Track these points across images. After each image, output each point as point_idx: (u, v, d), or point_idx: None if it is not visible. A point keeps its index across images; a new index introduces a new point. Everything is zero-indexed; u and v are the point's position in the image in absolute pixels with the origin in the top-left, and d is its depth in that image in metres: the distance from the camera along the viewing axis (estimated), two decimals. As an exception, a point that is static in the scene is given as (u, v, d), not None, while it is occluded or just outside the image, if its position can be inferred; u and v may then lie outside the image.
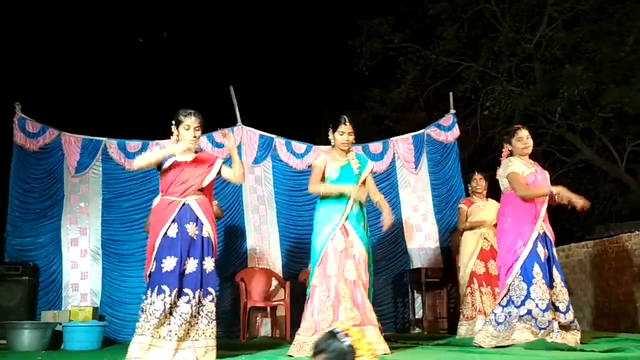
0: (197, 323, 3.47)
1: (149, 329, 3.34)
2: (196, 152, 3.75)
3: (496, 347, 3.87)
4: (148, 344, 3.32)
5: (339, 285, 3.71)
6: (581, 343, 3.88)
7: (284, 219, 6.80)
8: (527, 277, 3.90)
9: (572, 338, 3.86)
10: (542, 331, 3.81)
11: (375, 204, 4.06)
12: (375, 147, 7.26)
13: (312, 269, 3.85)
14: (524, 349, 3.66)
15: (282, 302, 5.98)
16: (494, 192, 5.12)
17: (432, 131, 7.51)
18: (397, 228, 7.09)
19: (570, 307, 3.94)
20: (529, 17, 10.76)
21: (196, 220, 3.57)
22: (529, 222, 3.98)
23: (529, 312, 3.86)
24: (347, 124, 3.97)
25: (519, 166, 4.09)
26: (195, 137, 3.66)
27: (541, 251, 3.95)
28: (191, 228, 3.54)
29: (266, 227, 6.73)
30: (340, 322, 3.55)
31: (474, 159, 10.52)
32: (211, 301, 3.54)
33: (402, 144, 7.43)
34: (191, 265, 3.50)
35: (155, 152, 3.80)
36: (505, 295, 4.01)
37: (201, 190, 3.66)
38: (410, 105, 12.18)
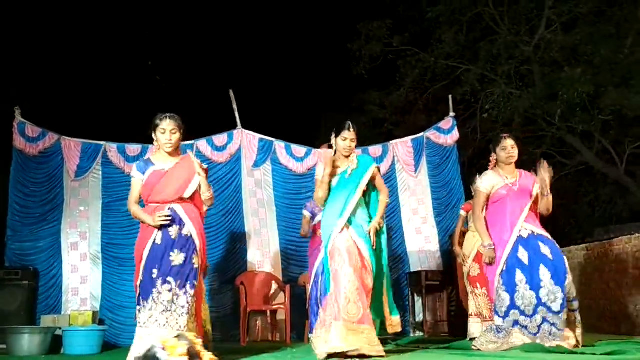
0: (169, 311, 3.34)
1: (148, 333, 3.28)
2: (180, 155, 3.68)
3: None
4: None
5: (345, 282, 3.67)
6: (582, 345, 3.83)
7: (284, 222, 6.79)
8: (510, 286, 3.91)
9: (572, 338, 3.79)
10: (536, 336, 3.81)
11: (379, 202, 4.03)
12: (375, 150, 7.26)
13: (326, 269, 3.82)
14: (522, 351, 3.66)
15: (282, 306, 5.97)
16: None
17: (431, 134, 7.51)
18: (397, 231, 7.10)
19: (566, 305, 3.81)
20: (528, 20, 10.78)
21: (180, 222, 3.47)
22: (505, 230, 4.01)
23: (516, 322, 3.88)
24: (351, 130, 3.93)
25: (489, 181, 4.16)
26: (170, 140, 3.56)
27: (523, 254, 3.94)
28: (174, 230, 3.44)
29: (266, 230, 6.73)
30: (344, 315, 3.55)
31: (473, 161, 10.53)
32: (184, 294, 3.37)
33: (401, 147, 7.43)
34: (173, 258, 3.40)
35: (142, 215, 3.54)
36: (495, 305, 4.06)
37: (192, 196, 3.56)
38: (410, 108, 12.19)
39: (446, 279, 6.60)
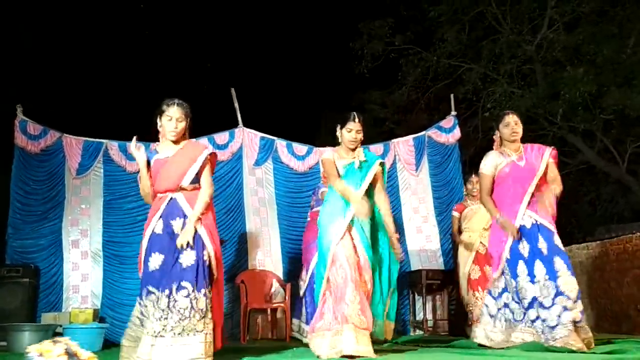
0: (166, 318, 3.22)
1: (147, 333, 3.22)
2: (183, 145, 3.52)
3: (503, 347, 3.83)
4: (150, 344, 3.21)
5: (346, 287, 3.59)
6: (588, 348, 3.64)
7: (285, 220, 6.79)
8: (513, 275, 3.87)
9: (577, 342, 3.60)
10: (530, 329, 3.78)
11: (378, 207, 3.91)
12: (376, 149, 7.26)
13: (321, 271, 3.73)
14: (522, 350, 3.64)
15: (282, 304, 5.98)
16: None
17: (433, 133, 7.51)
18: (398, 230, 7.08)
19: (557, 302, 3.68)
20: (530, 19, 10.78)
21: (183, 216, 3.36)
22: (511, 215, 3.89)
23: (506, 305, 3.90)
24: (356, 121, 3.79)
25: (492, 162, 4.03)
26: (176, 128, 3.43)
27: (524, 247, 3.85)
28: (177, 224, 3.34)
29: (267, 229, 6.73)
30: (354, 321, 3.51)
31: (475, 160, 10.51)
32: (185, 297, 3.24)
33: (403, 146, 7.43)
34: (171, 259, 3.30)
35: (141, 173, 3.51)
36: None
37: (192, 185, 3.43)
38: (411, 107, 12.21)
39: (446, 278, 6.59)
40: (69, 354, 3.09)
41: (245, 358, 3.69)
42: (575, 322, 3.68)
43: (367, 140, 3.95)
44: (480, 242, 5.54)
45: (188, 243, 3.30)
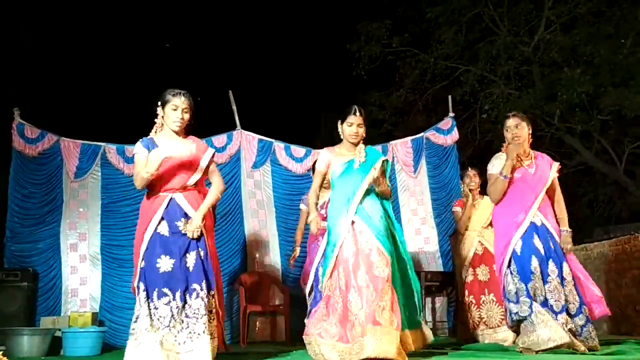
0: (181, 323, 3.17)
1: (155, 340, 3.10)
2: (186, 137, 3.44)
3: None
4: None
5: (348, 296, 3.40)
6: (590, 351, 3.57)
7: (283, 223, 6.79)
8: (525, 274, 3.68)
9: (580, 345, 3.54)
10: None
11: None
12: (374, 150, 7.25)
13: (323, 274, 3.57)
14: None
15: (281, 307, 5.97)
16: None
17: (431, 134, 7.51)
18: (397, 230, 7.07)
19: (555, 305, 3.61)
20: (527, 20, 10.81)
21: (185, 216, 3.30)
22: (520, 212, 3.78)
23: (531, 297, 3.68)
24: (357, 114, 3.60)
25: (501, 164, 3.89)
26: (182, 118, 3.34)
27: (538, 243, 3.71)
28: (182, 225, 3.28)
29: (266, 231, 6.73)
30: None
31: (473, 162, 10.53)
32: (196, 298, 3.21)
33: (401, 148, 7.44)
34: (190, 261, 3.26)
35: (148, 162, 3.29)
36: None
37: (194, 185, 3.37)
38: (409, 109, 12.22)
39: (446, 280, 6.59)
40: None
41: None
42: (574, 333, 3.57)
43: (365, 141, 3.90)
44: (479, 242, 5.49)
45: (197, 236, 3.29)
